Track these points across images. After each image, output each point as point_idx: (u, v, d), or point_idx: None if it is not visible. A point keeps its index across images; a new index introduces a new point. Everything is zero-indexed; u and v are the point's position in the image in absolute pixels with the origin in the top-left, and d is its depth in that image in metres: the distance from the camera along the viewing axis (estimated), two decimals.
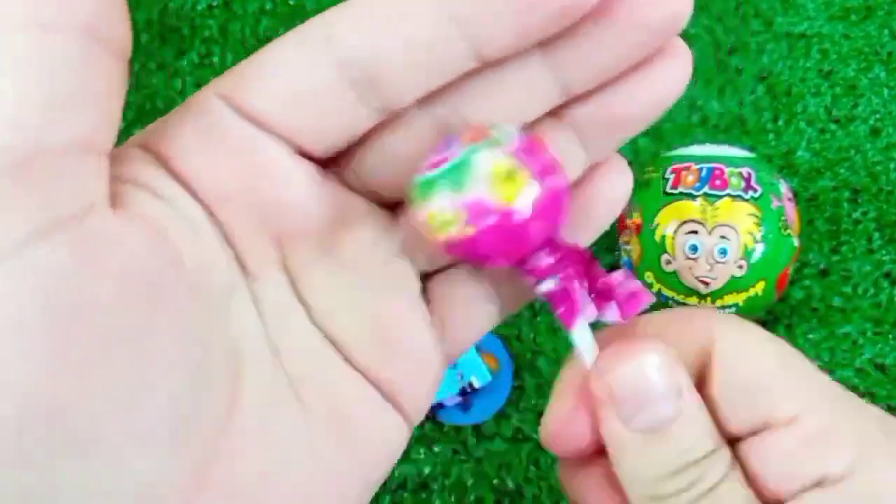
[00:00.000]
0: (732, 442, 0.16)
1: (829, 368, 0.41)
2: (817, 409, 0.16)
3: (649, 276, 0.37)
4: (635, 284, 0.16)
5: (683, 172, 0.37)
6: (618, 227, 0.39)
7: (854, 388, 0.40)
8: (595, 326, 0.16)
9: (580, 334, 0.16)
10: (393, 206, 0.17)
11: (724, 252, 0.35)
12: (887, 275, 0.42)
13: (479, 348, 0.40)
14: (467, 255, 0.15)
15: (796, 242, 0.37)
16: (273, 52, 0.14)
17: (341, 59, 0.14)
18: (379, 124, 0.15)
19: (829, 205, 0.43)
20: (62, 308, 0.11)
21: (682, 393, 0.15)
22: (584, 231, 0.17)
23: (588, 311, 0.16)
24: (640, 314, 0.16)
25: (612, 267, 0.42)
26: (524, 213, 0.14)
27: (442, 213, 0.14)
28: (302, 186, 0.15)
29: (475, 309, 0.17)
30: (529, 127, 0.16)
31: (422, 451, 0.40)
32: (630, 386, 0.15)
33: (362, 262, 0.16)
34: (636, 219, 0.37)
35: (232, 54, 0.46)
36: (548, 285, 0.16)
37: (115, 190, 0.13)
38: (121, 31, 0.12)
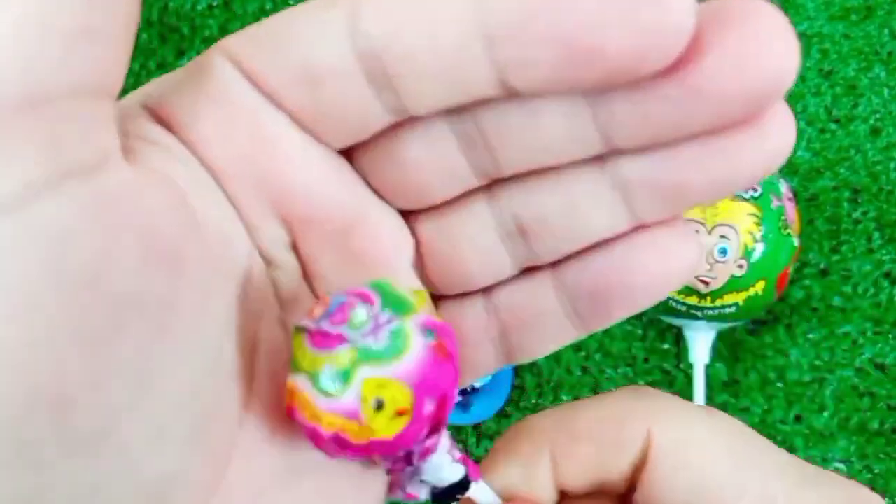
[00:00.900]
0: None
1: (829, 368, 0.41)
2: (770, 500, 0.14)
3: None
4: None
5: None
6: None
7: (854, 388, 0.40)
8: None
9: (481, 491, 0.15)
10: (405, 215, 0.15)
11: (724, 252, 0.35)
12: (887, 274, 0.42)
13: None
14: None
15: (796, 242, 0.37)
16: (291, 23, 0.13)
17: (362, 47, 0.12)
18: (396, 128, 0.14)
19: (829, 204, 0.43)
20: (73, 271, 0.10)
21: None
22: (616, 299, 0.14)
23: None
24: (578, 400, 0.15)
25: None
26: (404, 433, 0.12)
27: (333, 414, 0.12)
28: (316, 169, 0.14)
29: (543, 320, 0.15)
30: (567, 168, 0.14)
31: None
32: None
33: (377, 260, 0.15)
34: None
35: None
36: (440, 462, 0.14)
37: (127, 144, 0.12)
38: None
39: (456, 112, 0.13)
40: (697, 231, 0.36)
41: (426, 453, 0.13)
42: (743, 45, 0.11)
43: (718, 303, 0.36)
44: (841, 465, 0.40)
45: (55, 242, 0.10)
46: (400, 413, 0.12)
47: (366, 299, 0.12)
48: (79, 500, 0.10)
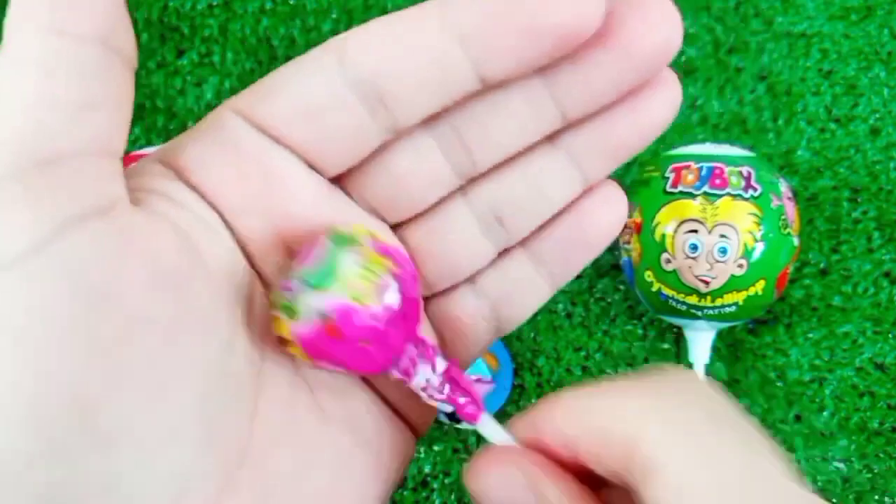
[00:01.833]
0: None
1: (829, 368, 0.41)
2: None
3: (649, 276, 0.37)
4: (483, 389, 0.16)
5: (683, 171, 0.37)
6: None
7: (854, 388, 0.40)
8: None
9: (487, 426, 0.16)
10: (394, 227, 0.17)
11: (724, 251, 0.35)
12: (887, 274, 0.42)
13: None
14: (331, 355, 0.15)
15: (796, 241, 0.37)
16: (287, 71, 0.15)
17: (353, 76, 0.14)
18: (385, 146, 0.16)
19: (828, 204, 0.43)
20: (90, 292, 0.12)
21: None
22: (578, 255, 0.18)
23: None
24: (579, 391, 0.15)
25: (613, 266, 0.42)
26: (385, 312, 0.14)
27: (307, 309, 0.14)
28: (313, 198, 0.15)
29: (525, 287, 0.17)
30: (527, 151, 0.16)
31: (422, 449, 0.40)
32: (495, 494, 0.15)
33: None
34: (636, 218, 0.37)
35: (232, 53, 0.46)
36: (424, 378, 0.15)
37: (135, 197, 0.14)
38: (129, 42, 0.13)
39: (433, 119, 0.15)
40: (697, 231, 0.36)
41: (402, 366, 0.15)
42: (647, 13, 0.15)
43: (718, 302, 0.36)
44: (841, 465, 0.40)
45: (71, 268, 0.12)
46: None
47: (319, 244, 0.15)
48: (102, 489, 0.12)
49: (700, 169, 0.36)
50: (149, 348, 0.12)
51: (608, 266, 0.43)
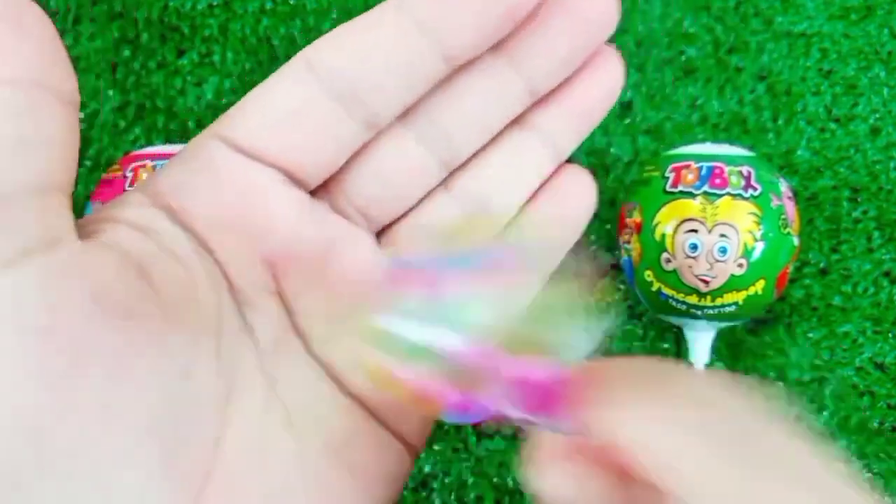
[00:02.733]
0: None
1: (829, 368, 0.41)
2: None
3: (649, 275, 0.37)
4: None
5: (683, 171, 0.37)
6: (618, 226, 0.39)
7: (854, 387, 0.40)
8: None
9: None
10: (384, 227, 0.17)
11: (723, 251, 0.35)
12: (887, 273, 0.42)
13: None
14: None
15: (796, 241, 0.37)
16: (260, 89, 0.15)
17: (324, 78, 0.15)
18: (366, 148, 0.16)
19: (828, 204, 0.43)
20: (33, 328, 0.12)
21: None
22: (559, 236, 0.18)
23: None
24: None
25: (613, 266, 0.42)
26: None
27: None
28: (292, 213, 0.15)
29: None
30: (500, 137, 0.17)
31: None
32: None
33: (354, 284, 0.16)
34: (636, 218, 0.37)
35: (232, 53, 0.46)
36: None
37: (91, 229, 0.14)
38: (68, 82, 0.13)
39: (410, 112, 0.16)
40: (697, 231, 0.36)
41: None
42: None
43: (718, 302, 0.36)
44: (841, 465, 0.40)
45: (14, 303, 0.12)
46: None
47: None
48: None
49: (700, 169, 0.36)
50: (97, 376, 0.12)
51: (608, 266, 0.43)
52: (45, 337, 0.12)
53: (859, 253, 0.42)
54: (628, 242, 0.38)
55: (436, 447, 0.40)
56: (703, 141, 0.40)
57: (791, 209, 0.37)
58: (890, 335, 0.41)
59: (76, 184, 0.43)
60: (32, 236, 0.12)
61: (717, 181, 0.36)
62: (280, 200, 0.15)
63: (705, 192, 0.36)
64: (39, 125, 0.13)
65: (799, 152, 0.44)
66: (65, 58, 0.14)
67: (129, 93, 0.45)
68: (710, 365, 0.39)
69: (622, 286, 0.42)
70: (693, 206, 0.36)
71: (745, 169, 0.36)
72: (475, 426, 0.40)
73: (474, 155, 0.17)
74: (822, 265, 0.42)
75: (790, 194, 0.37)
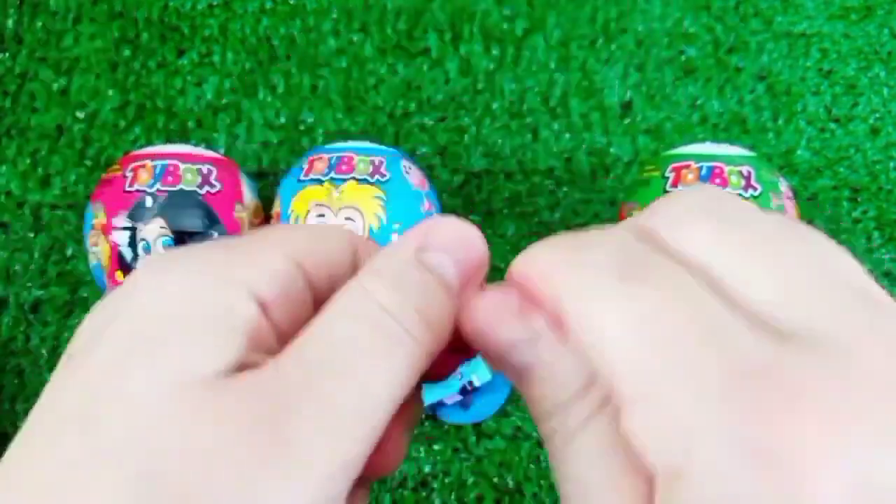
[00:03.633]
0: None
1: None
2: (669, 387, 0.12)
3: None
4: None
5: (684, 171, 0.37)
6: None
7: None
8: None
9: None
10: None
11: None
12: (887, 273, 0.42)
13: None
14: None
15: None
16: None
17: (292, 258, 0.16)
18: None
19: (828, 203, 0.43)
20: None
21: (539, 339, 0.15)
22: None
23: None
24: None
25: None
26: None
27: None
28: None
29: None
30: None
31: (422, 449, 0.40)
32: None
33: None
34: None
35: (232, 53, 0.46)
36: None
37: None
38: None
39: None
40: None
41: None
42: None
43: None
44: None
45: None
46: None
47: None
48: None
49: (700, 168, 0.36)
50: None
51: None
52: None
53: (859, 253, 0.42)
54: None
55: (436, 447, 0.40)
56: (704, 141, 0.40)
57: (791, 209, 0.37)
58: None
59: (76, 184, 0.44)
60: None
61: (718, 181, 0.36)
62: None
63: None
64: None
65: (799, 152, 0.44)
66: None
67: (129, 93, 0.45)
68: None
69: None
70: None
71: (745, 169, 0.36)
72: (475, 426, 0.40)
73: None
74: None
75: (790, 194, 0.37)
